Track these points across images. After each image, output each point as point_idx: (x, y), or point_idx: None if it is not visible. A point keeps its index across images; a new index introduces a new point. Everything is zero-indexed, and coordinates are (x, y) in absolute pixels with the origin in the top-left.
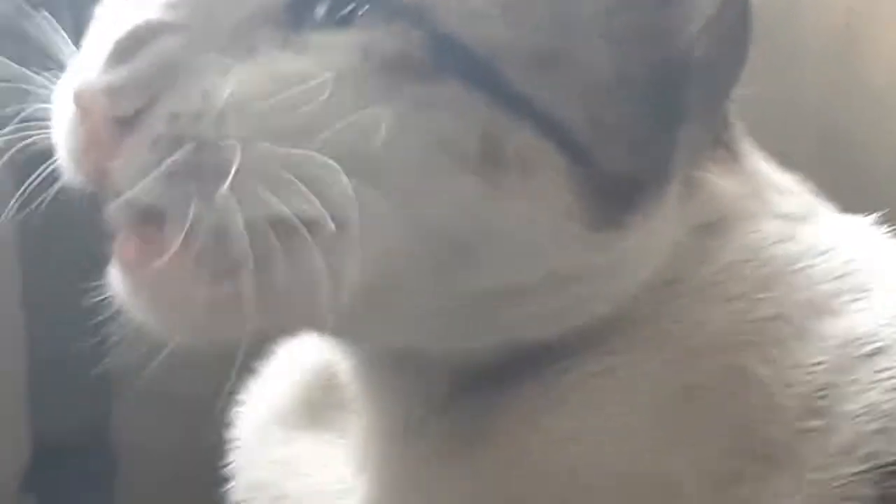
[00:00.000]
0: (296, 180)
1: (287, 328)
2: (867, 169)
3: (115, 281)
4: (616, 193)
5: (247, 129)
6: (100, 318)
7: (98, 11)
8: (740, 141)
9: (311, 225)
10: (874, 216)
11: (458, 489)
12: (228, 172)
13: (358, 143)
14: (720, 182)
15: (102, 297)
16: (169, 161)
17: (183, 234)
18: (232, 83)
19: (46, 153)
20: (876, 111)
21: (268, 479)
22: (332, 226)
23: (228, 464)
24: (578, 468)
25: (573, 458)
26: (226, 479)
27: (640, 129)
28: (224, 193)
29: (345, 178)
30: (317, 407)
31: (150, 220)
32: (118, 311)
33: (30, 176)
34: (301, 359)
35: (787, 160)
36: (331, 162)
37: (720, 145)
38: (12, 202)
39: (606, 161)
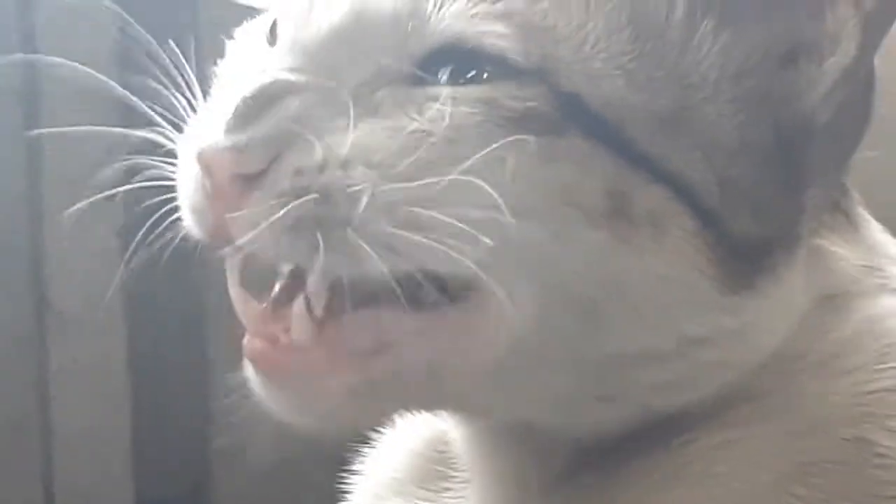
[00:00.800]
0: (425, 221)
1: (419, 408)
2: None
3: (252, 379)
4: (747, 256)
5: (370, 176)
6: (203, 381)
7: (220, 69)
8: (857, 208)
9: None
10: None
11: None
12: (355, 217)
13: (482, 193)
14: (840, 251)
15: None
16: (292, 207)
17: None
18: (354, 137)
19: (151, 214)
20: None
21: None
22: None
23: None
24: None
25: None
26: None
27: (764, 192)
28: (352, 238)
29: (479, 238)
30: (433, 477)
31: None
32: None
33: (136, 239)
34: (417, 429)
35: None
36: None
37: (838, 212)
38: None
39: (734, 223)
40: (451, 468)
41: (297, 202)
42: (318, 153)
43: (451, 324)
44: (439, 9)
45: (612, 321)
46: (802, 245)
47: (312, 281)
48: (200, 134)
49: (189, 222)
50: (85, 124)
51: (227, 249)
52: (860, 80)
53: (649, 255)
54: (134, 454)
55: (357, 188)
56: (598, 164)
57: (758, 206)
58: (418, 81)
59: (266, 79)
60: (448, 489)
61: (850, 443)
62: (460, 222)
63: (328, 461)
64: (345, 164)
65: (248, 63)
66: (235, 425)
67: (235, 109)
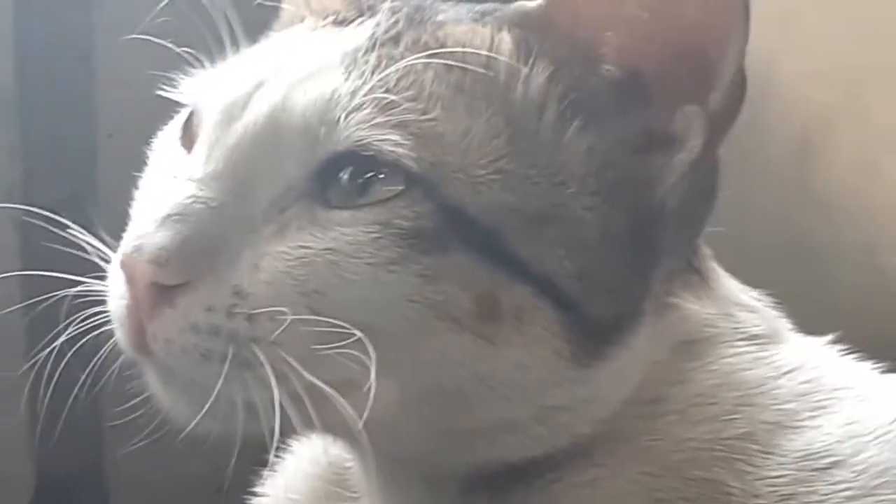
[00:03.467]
0: (321, 357)
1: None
2: (825, 275)
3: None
4: (599, 333)
5: (272, 328)
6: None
7: (143, 182)
8: (709, 264)
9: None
10: (830, 336)
11: None
12: (258, 361)
13: (373, 312)
14: (692, 306)
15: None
16: (203, 342)
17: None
18: (264, 274)
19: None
20: (831, 221)
21: None
22: (353, 388)
23: None
24: None
25: None
26: None
27: (620, 276)
28: (254, 375)
29: (367, 346)
30: (331, 499)
31: None
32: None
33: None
34: (315, 452)
35: (750, 268)
36: (354, 334)
37: (691, 270)
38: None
39: (592, 308)
40: (348, 490)
41: (207, 339)
42: (228, 294)
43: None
44: (345, 117)
45: (475, 403)
46: (650, 313)
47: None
48: (126, 241)
49: (114, 328)
50: None
51: (144, 359)
52: (706, 169)
53: (513, 347)
54: (33, 440)
55: (261, 338)
56: (475, 275)
57: (612, 290)
58: (322, 194)
59: (186, 196)
60: None
61: (702, 482)
62: (345, 357)
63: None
64: (251, 318)
65: (168, 167)
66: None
67: (156, 224)
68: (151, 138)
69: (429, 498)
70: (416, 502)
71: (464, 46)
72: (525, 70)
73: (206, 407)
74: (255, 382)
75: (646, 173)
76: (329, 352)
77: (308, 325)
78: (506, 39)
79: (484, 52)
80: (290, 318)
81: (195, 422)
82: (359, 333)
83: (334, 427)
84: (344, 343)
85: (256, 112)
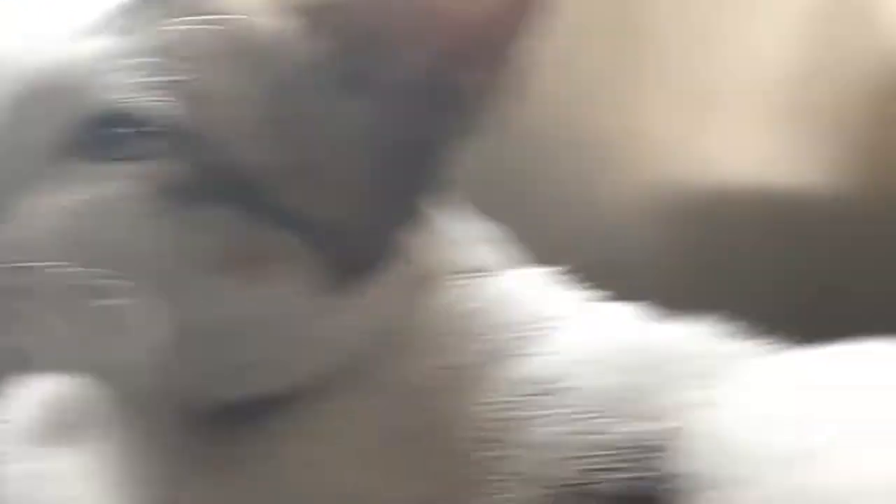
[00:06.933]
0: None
1: None
2: (540, 205)
3: None
4: (352, 269)
5: (38, 279)
6: None
7: None
8: (433, 201)
9: None
10: (547, 267)
11: None
12: (22, 314)
13: (136, 261)
14: (418, 242)
15: None
16: None
17: None
18: (26, 229)
19: None
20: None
21: (21, 493)
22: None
23: None
24: (314, 492)
25: (309, 482)
26: None
27: (379, 223)
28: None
29: (132, 293)
30: (69, 424)
31: None
32: None
33: None
34: (50, 381)
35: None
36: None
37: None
38: None
39: (350, 251)
40: (87, 414)
41: None
42: None
43: None
44: (103, 78)
45: (238, 341)
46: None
47: None
48: None
49: None
50: None
51: None
52: None
53: (270, 285)
54: None
55: (25, 290)
56: (233, 225)
57: (370, 234)
58: (82, 151)
59: None
60: (85, 434)
61: (430, 411)
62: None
63: None
64: (13, 271)
65: None
66: None
67: None
68: None
69: (173, 423)
70: (147, 433)
71: (235, 13)
72: (300, 41)
73: None
74: (20, 328)
75: (424, 136)
76: (95, 301)
77: (73, 277)
78: (286, 15)
79: (257, 20)
80: (55, 271)
81: None
82: (124, 283)
83: (102, 368)
84: (109, 291)
85: (9, 72)
